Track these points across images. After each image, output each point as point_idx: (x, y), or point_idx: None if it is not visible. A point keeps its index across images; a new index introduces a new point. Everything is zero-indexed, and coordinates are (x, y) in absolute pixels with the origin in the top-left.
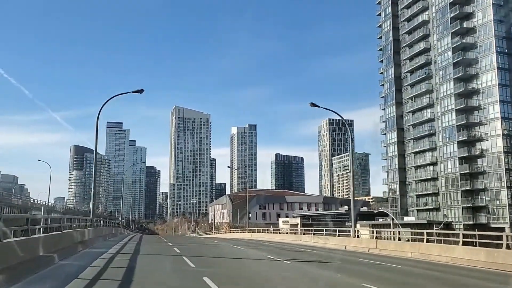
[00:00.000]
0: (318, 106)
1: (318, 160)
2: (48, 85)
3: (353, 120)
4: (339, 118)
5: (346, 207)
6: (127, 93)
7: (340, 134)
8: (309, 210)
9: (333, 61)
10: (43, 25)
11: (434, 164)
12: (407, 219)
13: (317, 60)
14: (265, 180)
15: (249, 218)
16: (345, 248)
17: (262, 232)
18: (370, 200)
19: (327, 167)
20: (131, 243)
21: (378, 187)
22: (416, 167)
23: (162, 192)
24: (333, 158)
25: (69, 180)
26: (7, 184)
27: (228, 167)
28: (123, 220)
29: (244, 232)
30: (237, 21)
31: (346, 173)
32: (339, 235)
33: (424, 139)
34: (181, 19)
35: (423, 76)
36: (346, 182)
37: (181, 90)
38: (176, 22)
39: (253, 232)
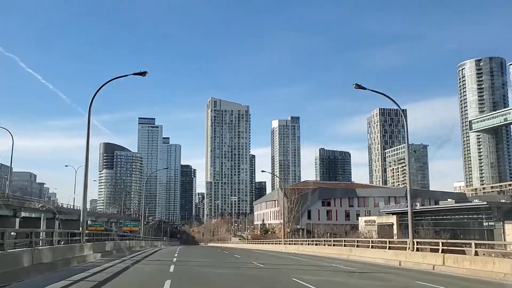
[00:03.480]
0: (364, 88)
1: (368, 155)
2: (85, 89)
3: (406, 110)
4: (391, 107)
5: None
6: (127, 75)
7: (393, 125)
8: (386, 206)
9: (380, 54)
10: (83, 29)
11: None
12: None
13: (362, 54)
14: (309, 178)
15: (309, 217)
16: None
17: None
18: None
19: (378, 161)
20: None
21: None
22: None
23: (198, 193)
24: (385, 151)
25: (99, 180)
26: (23, 183)
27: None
28: (152, 222)
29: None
30: (278, 16)
31: (402, 166)
32: None
33: None
34: (219, 14)
35: None
36: (402, 177)
37: (217, 87)
38: (213, 16)
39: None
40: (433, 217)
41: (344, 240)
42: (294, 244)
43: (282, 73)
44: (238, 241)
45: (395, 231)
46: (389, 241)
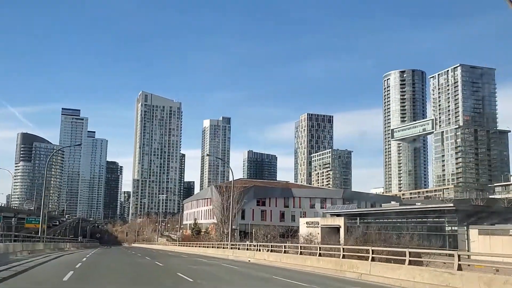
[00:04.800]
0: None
1: (294, 159)
2: (6, 80)
3: (332, 116)
4: (318, 113)
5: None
6: None
7: (319, 130)
8: (322, 208)
9: (321, 64)
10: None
11: None
12: None
13: (297, 65)
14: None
15: (242, 217)
16: None
17: None
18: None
19: (304, 165)
20: None
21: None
22: None
23: (124, 192)
24: (311, 155)
25: (15, 173)
26: None
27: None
28: (69, 220)
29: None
30: (219, 19)
31: (327, 171)
32: None
33: None
34: (161, 13)
35: None
36: (327, 181)
37: (150, 84)
38: (155, 15)
39: None
40: (381, 220)
41: (343, 249)
42: (247, 249)
43: (217, 77)
44: (165, 242)
45: (341, 235)
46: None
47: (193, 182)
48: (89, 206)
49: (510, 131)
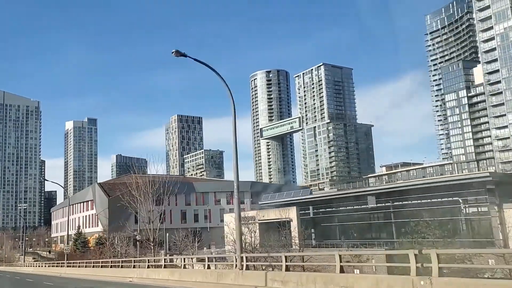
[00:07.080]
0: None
1: (166, 161)
2: None
3: (202, 118)
4: (188, 114)
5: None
6: None
7: (190, 131)
8: (229, 204)
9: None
10: None
11: None
12: None
13: (161, 71)
14: None
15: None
16: None
17: None
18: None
19: (176, 167)
20: None
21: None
22: None
23: None
24: (184, 157)
25: None
26: None
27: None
28: None
29: None
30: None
31: (201, 171)
32: None
33: None
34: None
35: None
36: None
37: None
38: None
39: None
40: (349, 208)
41: None
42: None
43: (80, 81)
44: (32, 261)
45: (294, 231)
46: None
47: (55, 191)
48: None
49: (373, 125)
